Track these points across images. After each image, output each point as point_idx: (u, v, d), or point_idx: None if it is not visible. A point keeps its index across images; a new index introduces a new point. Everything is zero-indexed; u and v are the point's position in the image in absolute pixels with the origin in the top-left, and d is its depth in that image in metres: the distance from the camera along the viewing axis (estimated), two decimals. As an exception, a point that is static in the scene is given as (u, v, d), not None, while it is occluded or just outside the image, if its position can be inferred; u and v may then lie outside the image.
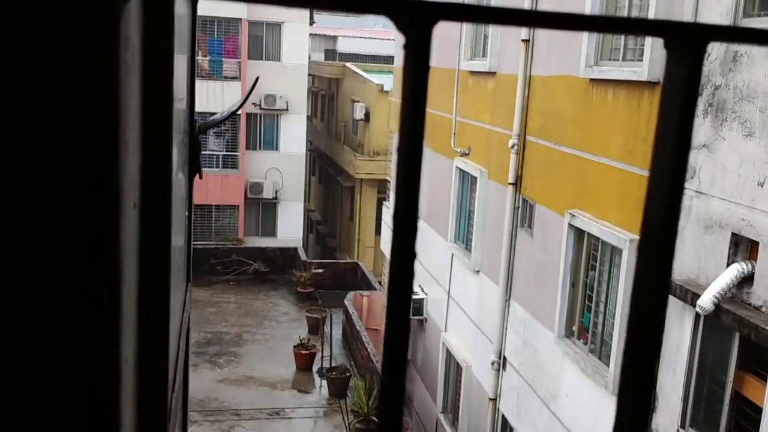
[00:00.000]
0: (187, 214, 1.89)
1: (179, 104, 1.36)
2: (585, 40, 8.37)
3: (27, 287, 0.52)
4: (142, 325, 0.70)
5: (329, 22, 43.36)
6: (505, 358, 10.63)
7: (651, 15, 7.15)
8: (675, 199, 0.44)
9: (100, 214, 0.50)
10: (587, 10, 8.31)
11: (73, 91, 0.47)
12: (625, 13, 7.93)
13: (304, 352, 16.96)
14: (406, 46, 0.41)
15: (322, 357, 16.82)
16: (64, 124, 0.48)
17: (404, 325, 0.44)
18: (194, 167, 1.85)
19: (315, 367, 17.01)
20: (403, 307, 0.43)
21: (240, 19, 24.36)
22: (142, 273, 0.68)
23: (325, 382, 16.23)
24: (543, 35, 9.70)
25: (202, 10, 23.23)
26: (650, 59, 7.13)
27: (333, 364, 16.57)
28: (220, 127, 23.40)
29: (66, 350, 0.54)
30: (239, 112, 24.19)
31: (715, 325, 6.27)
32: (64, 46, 0.48)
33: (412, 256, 0.42)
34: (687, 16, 6.62)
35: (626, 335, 0.47)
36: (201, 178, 1.99)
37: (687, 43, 0.42)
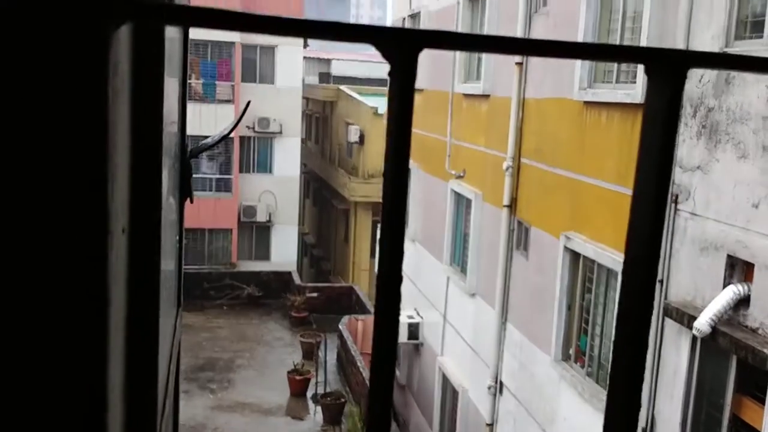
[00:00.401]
0: (177, 238, 1.88)
1: (170, 128, 1.36)
2: (578, 62, 8.44)
3: (11, 312, 0.51)
4: (131, 352, 0.70)
5: (323, 45, 43.70)
6: (501, 382, 10.57)
7: (644, 36, 7.23)
8: (657, 224, 0.44)
9: (88, 239, 0.49)
10: (581, 30, 8.39)
11: (61, 117, 0.47)
12: (618, 35, 8.01)
13: (298, 377, 16.82)
14: (391, 73, 0.41)
15: (316, 383, 16.69)
16: (52, 148, 0.48)
17: (392, 343, 0.43)
18: (185, 192, 1.85)
19: (309, 393, 16.86)
20: (391, 329, 0.43)
21: (234, 43, 24.52)
22: (130, 299, 0.68)
23: (319, 409, 16.07)
24: (537, 58, 9.78)
25: (196, 33, 23.37)
26: (644, 81, 7.19)
27: (327, 390, 16.44)
28: (214, 150, 23.44)
29: (52, 376, 0.53)
30: (232, 135, 24.25)
31: (712, 348, 6.25)
32: (52, 73, 0.48)
33: (398, 280, 0.42)
34: (679, 38, 6.69)
35: (612, 355, 0.47)
36: (192, 202, 1.98)
37: (668, 69, 0.42)
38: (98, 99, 0.46)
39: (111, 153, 0.53)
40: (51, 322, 0.52)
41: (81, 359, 0.54)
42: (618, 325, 0.47)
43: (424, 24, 14.19)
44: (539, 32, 9.69)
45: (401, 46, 0.39)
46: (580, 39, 8.41)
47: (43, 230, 0.49)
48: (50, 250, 0.50)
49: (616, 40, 8.01)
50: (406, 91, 0.40)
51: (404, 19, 15.38)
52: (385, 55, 0.40)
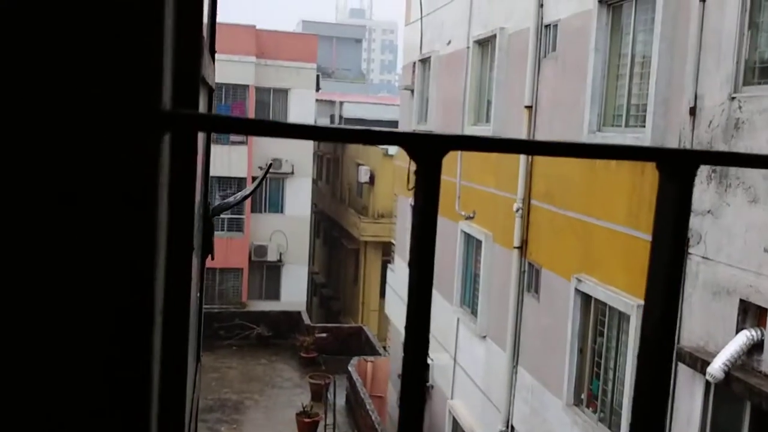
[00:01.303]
0: (198, 295, 1.91)
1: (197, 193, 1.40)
2: (588, 105, 8.52)
3: (63, 391, 0.53)
4: (160, 424, 0.72)
5: (335, 88, 44.26)
6: (513, 427, 10.42)
7: (652, 81, 7.29)
8: (671, 314, 0.46)
9: (135, 325, 0.52)
10: (589, 75, 8.48)
11: (120, 217, 0.50)
12: (626, 80, 8.08)
13: (306, 420, 16.64)
14: (417, 172, 0.44)
15: (325, 425, 16.49)
16: (108, 244, 0.51)
17: (419, 394, 0.46)
18: (207, 249, 1.88)
19: (318, 435, 16.65)
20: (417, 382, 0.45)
21: (247, 86, 24.89)
22: (163, 380, 0.70)
23: (328, 451, 15.86)
24: (546, 102, 9.88)
25: (211, 77, 23.71)
26: (653, 125, 7.24)
27: (337, 432, 16.24)
28: (226, 190, 23.60)
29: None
30: (245, 175, 24.45)
31: (726, 394, 6.17)
32: (109, 177, 0.50)
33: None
34: (688, 83, 6.74)
35: (633, 405, 0.49)
36: (213, 259, 2.01)
37: (678, 167, 0.45)
38: (150, 197, 0.49)
39: (158, 251, 0.56)
40: (97, 405, 0.54)
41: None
42: (637, 377, 0.49)
43: (435, 67, 14.38)
44: (548, 76, 9.81)
45: (428, 148, 0.43)
46: (588, 83, 8.51)
47: (95, 321, 0.52)
48: (99, 342, 0.52)
49: (624, 85, 8.10)
50: (431, 189, 0.43)
51: (415, 63, 15.60)
52: (413, 156, 0.43)
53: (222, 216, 25.14)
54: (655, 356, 0.48)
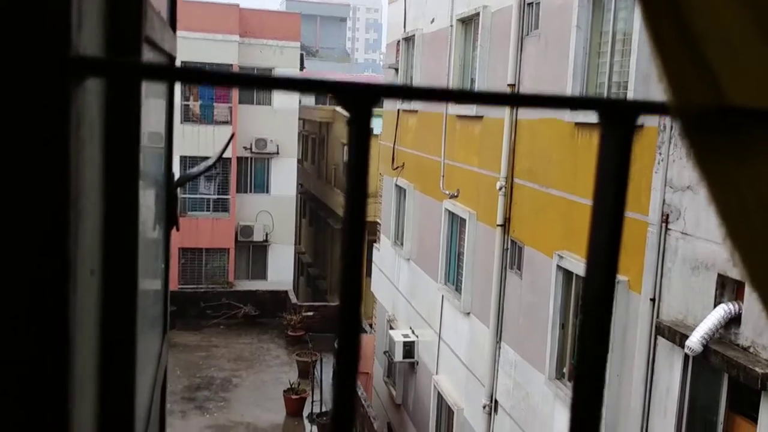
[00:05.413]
0: (164, 266, 1.90)
1: (155, 158, 1.37)
2: (570, 83, 8.52)
3: None
4: (104, 393, 0.70)
5: (319, 67, 43.99)
6: (496, 401, 10.54)
7: (633, 58, 7.30)
8: (611, 266, 0.46)
9: (46, 286, 0.50)
10: (571, 52, 8.48)
11: (20, 170, 0.47)
12: (607, 57, 8.08)
13: (294, 396, 16.75)
14: (349, 122, 0.44)
15: (312, 402, 16.61)
16: (9, 196, 0.48)
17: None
18: (171, 220, 1.86)
19: (305, 412, 16.76)
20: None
21: (231, 65, 24.66)
22: (104, 339, 0.69)
23: (315, 428, 15.98)
24: (528, 80, 9.87)
25: (194, 56, 23.49)
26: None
27: (323, 409, 16.36)
28: (211, 170, 23.48)
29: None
30: (230, 155, 24.31)
31: (704, 367, 6.26)
32: (14, 127, 0.48)
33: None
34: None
35: (574, 379, 0.50)
36: (178, 230, 2.00)
37: (619, 116, 0.45)
38: (56, 149, 0.47)
39: (74, 199, 0.53)
40: (10, 372, 0.51)
41: (43, 408, 0.52)
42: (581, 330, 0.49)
43: (418, 46, 14.30)
44: (531, 53, 9.79)
45: (359, 98, 0.42)
46: (570, 60, 8.50)
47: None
48: (9, 300, 0.50)
49: (606, 62, 8.10)
50: (362, 139, 0.43)
51: (399, 41, 15.50)
52: (344, 107, 0.43)
53: (207, 196, 25.03)
54: (596, 325, 0.48)
